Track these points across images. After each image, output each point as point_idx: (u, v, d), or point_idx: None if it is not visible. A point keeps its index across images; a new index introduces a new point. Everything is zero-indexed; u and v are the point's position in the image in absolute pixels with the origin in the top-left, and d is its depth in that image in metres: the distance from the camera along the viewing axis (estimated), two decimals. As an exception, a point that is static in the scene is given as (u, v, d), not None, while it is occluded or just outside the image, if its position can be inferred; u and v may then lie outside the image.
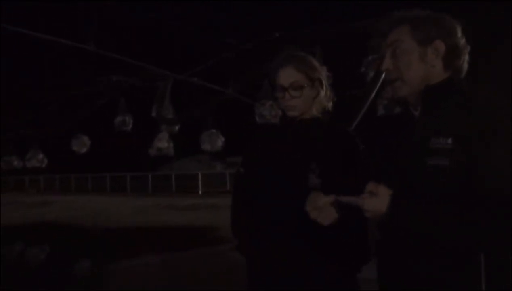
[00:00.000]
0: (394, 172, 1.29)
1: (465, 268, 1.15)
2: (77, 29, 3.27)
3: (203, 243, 8.43)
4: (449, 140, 1.16)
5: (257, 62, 3.56)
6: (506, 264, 1.15)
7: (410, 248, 1.23)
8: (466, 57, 1.33)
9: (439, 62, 1.31)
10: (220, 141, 3.99)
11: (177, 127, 4.32)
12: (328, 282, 1.57)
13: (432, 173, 1.17)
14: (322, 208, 1.35)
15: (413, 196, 1.19)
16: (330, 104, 1.73)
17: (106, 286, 5.64)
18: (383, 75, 1.36)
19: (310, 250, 1.56)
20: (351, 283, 1.62)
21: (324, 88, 1.70)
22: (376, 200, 1.20)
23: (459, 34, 1.32)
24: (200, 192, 23.01)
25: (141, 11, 3.38)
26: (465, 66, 1.33)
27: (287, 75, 1.64)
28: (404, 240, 1.24)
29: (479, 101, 1.22)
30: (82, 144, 5.04)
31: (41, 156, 5.56)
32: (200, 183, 23.65)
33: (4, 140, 5.37)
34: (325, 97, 1.70)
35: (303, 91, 1.63)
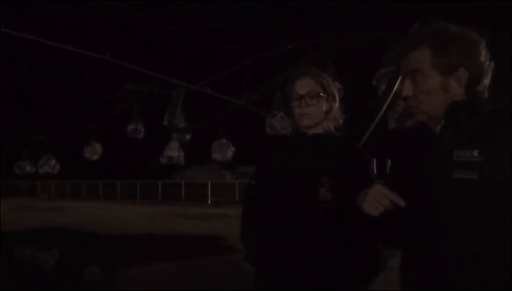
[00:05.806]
0: (416, 186, 1.24)
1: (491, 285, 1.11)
2: (94, 39, 3.33)
3: (211, 252, 8.42)
4: (475, 153, 1.11)
5: (270, 73, 3.58)
6: None
7: (434, 264, 1.18)
8: (489, 77, 1.23)
9: (461, 90, 1.22)
10: (230, 151, 4.00)
11: (188, 137, 4.35)
12: None
13: (459, 186, 1.13)
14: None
15: (438, 209, 1.16)
16: (341, 121, 1.76)
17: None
18: (403, 102, 1.29)
19: (320, 263, 1.56)
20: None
21: (337, 103, 1.74)
22: None
23: (483, 54, 1.21)
24: (209, 201, 23.02)
25: (156, 20, 3.43)
26: (487, 84, 1.24)
27: (304, 84, 1.70)
28: (428, 256, 1.20)
29: (502, 111, 1.16)
30: (94, 152, 5.09)
31: (53, 162, 5.63)
32: (209, 192, 23.67)
33: (19, 146, 5.45)
34: (337, 112, 1.75)
35: (319, 100, 1.68)
